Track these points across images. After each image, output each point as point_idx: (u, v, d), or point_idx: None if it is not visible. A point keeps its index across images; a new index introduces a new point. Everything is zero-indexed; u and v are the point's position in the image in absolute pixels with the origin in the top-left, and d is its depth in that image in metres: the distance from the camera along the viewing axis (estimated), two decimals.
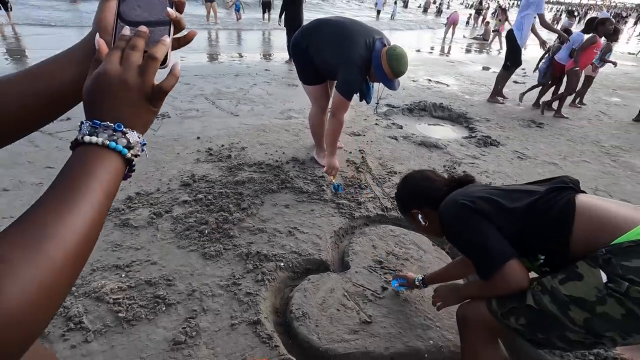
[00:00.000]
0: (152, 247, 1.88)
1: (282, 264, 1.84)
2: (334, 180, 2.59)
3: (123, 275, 1.68)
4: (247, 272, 1.76)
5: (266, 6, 12.66)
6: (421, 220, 1.27)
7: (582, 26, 5.46)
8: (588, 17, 5.73)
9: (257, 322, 1.50)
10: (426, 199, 1.26)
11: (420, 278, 1.56)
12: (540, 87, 5.47)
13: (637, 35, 21.70)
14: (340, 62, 2.38)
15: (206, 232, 2.00)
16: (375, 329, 1.52)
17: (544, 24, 4.84)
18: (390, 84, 2.38)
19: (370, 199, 2.49)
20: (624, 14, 30.71)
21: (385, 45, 2.36)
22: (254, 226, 2.10)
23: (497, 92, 5.41)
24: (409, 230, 2.20)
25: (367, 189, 2.63)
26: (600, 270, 0.85)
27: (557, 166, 3.36)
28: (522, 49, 5.07)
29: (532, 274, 1.08)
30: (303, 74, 2.69)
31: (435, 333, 1.52)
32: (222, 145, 3.11)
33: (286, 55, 7.35)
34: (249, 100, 4.45)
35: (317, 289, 1.69)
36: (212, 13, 12.14)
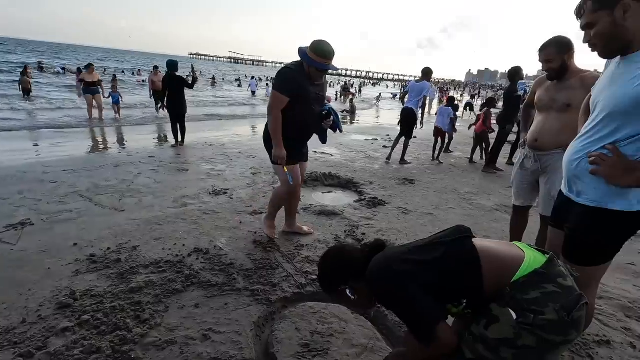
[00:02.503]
0: None
1: None
2: (285, 170, 2.76)
3: None
4: None
5: (158, 95, 10.65)
6: (350, 295, 1.30)
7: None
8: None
9: None
10: (349, 272, 1.30)
11: None
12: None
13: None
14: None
15: None
16: None
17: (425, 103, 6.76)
18: (325, 67, 2.59)
19: (285, 278, 2.47)
20: (445, 88, 40.06)
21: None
22: (160, 339, 1.83)
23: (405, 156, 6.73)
24: (326, 303, 2.22)
25: (279, 268, 2.61)
26: (509, 309, 1.01)
27: (433, 215, 3.95)
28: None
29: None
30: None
31: None
32: (108, 249, 2.73)
33: (172, 140, 7.18)
34: (136, 192, 4.10)
35: None
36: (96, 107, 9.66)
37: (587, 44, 1.38)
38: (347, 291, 1.30)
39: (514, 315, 1.01)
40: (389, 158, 6.69)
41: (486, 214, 4.15)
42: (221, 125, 10.73)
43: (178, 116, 7.07)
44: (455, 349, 1.10)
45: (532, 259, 1.10)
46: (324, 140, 3.08)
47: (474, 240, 1.19)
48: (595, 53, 1.37)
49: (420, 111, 6.67)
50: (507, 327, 1.01)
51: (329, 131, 3.04)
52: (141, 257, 2.64)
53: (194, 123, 10.17)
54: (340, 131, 3.08)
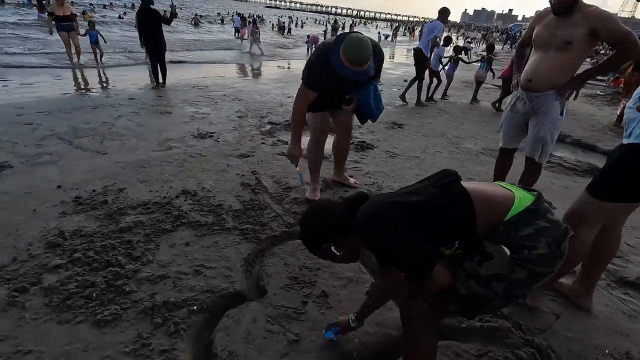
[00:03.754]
0: (22, 332, 1.52)
1: (195, 307, 1.71)
2: (297, 169, 2.58)
3: None
4: (156, 328, 1.58)
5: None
6: (335, 252, 1.26)
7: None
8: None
9: None
10: (333, 229, 1.25)
11: (354, 318, 1.53)
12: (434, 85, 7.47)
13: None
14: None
15: (94, 295, 1.71)
16: (305, 345, 1.55)
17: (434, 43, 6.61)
18: (346, 72, 2.12)
19: (273, 218, 2.52)
20: None
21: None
22: (153, 274, 1.89)
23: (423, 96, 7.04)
24: None
25: (267, 208, 2.65)
26: (503, 246, 1.05)
27: (420, 159, 3.99)
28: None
29: None
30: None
31: (357, 331, 1.62)
32: (94, 191, 2.70)
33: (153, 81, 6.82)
34: (117, 135, 3.97)
35: (238, 324, 1.63)
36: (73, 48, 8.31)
37: None
38: (332, 248, 1.26)
39: (508, 252, 1.04)
40: (403, 99, 6.83)
41: (472, 158, 4.21)
42: (203, 67, 10.18)
43: (157, 56, 6.64)
44: (449, 287, 1.13)
45: (521, 197, 1.12)
46: (361, 119, 2.67)
47: (462, 183, 1.18)
48: None
49: (430, 52, 6.54)
50: (501, 263, 1.05)
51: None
52: (128, 198, 2.63)
53: (174, 64, 9.62)
54: (373, 121, 2.63)
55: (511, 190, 1.15)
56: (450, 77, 7.96)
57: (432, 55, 7.11)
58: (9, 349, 1.44)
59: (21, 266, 1.89)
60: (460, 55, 8.12)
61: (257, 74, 9.95)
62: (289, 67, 11.38)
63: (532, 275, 1.04)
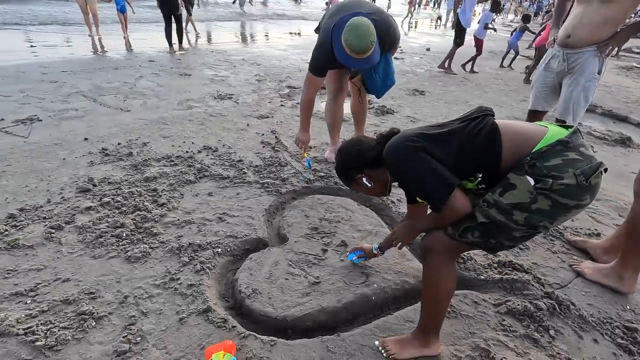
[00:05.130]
0: (59, 263, 1.61)
1: (219, 249, 1.77)
2: (305, 155, 2.54)
3: (29, 302, 1.41)
4: (184, 265, 1.65)
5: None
6: (367, 183, 1.34)
7: None
8: None
9: (207, 309, 1.43)
10: (365, 161, 1.33)
11: (377, 247, 1.63)
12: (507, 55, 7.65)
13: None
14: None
15: (124, 235, 1.79)
16: (324, 287, 1.59)
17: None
18: (348, 61, 2.05)
19: (293, 175, 2.54)
20: None
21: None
22: (178, 219, 1.96)
23: (446, 64, 6.80)
24: (334, 196, 2.32)
25: (287, 165, 2.66)
26: (527, 177, 1.05)
27: None
28: (467, 29, 6.49)
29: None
30: None
31: (377, 277, 1.66)
32: (119, 144, 2.76)
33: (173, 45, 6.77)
34: (139, 94, 4.01)
35: (261, 266, 1.69)
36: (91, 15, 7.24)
37: None
38: (364, 179, 1.34)
39: (532, 182, 1.04)
40: (463, 67, 6.90)
41: None
42: (222, 34, 10.03)
43: (172, 17, 6.52)
44: (467, 214, 1.13)
45: (555, 131, 1.10)
46: (367, 89, 2.59)
47: (495, 119, 1.17)
48: None
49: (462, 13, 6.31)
50: (524, 193, 1.05)
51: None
52: (152, 152, 2.69)
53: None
54: (377, 97, 2.54)
55: (545, 126, 1.13)
56: (514, 46, 7.66)
57: (479, 22, 6.81)
58: (49, 277, 1.54)
59: (55, 207, 1.98)
60: (527, 25, 7.77)
61: (274, 40, 9.75)
62: (299, 34, 11.08)
63: (555, 205, 1.04)
